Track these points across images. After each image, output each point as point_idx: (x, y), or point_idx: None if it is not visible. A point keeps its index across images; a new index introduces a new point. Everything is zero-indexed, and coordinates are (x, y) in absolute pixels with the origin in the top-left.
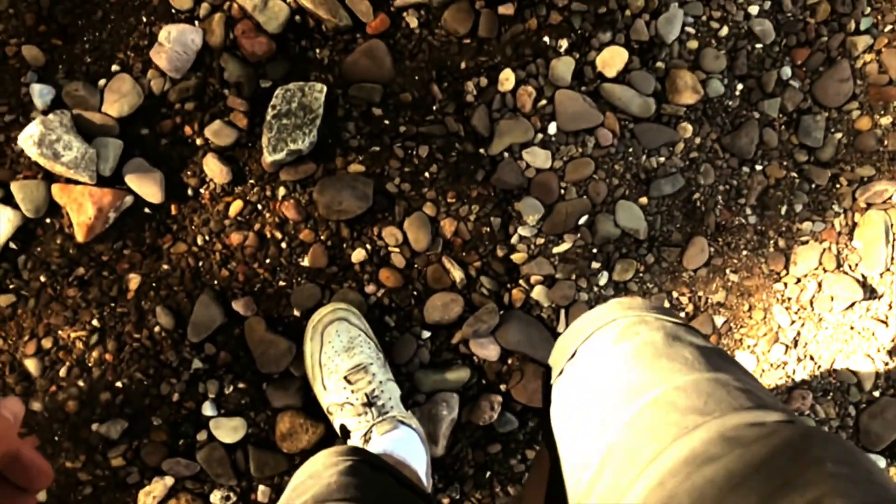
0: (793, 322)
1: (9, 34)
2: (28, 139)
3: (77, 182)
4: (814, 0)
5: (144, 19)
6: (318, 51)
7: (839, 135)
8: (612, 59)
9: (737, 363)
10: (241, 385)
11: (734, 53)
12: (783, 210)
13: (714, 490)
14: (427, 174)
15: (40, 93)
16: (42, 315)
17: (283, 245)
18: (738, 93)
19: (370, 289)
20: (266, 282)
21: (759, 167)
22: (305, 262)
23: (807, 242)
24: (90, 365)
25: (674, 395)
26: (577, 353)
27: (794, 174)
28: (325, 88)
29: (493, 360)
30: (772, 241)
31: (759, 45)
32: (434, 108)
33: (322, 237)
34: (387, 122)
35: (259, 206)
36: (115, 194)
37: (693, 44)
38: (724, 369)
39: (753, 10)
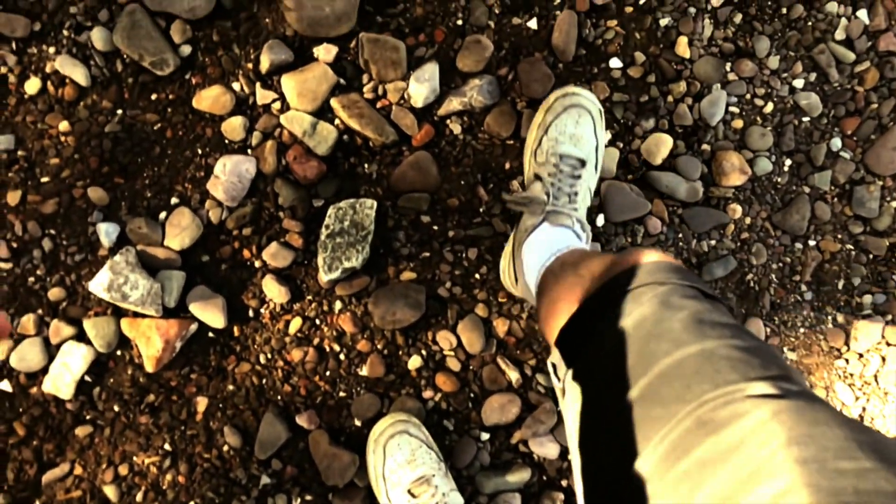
0: (857, 398)
1: (75, 178)
2: (98, 286)
3: (144, 315)
4: (861, 68)
5: (199, 151)
6: (366, 166)
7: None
8: (656, 147)
9: (726, 316)
10: (308, 497)
11: (780, 129)
12: (840, 284)
13: (688, 485)
14: (477, 276)
15: (106, 232)
16: (117, 443)
17: (342, 357)
18: (786, 169)
19: (428, 394)
20: (327, 394)
21: (812, 242)
22: (364, 372)
23: (868, 316)
24: (164, 488)
25: (658, 385)
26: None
27: (849, 247)
28: (375, 204)
29: (552, 458)
30: (830, 317)
31: (805, 119)
32: (481, 210)
33: (378, 346)
34: (435, 227)
35: (317, 321)
36: (180, 324)
37: (738, 123)
38: (711, 335)
39: (798, 83)
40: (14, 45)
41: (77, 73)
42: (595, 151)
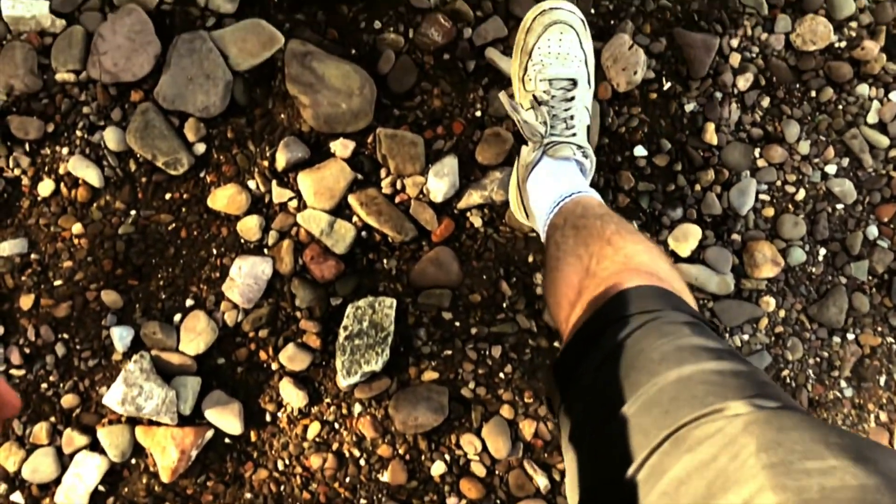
0: None
1: (89, 280)
2: (112, 400)
3: (160, 423)
4: None
5: (215, 251)
6: (385, 262)
7: None
8: (684, 237)
9: (710, 340)
10: None
11: (814, 217)
12: (882, 381)
13: (666, 501)
14: (502, 375)
15: (120, 336)
16: None
17: (362, 462)
18: (821, 258)
19: (452, 501)
20: (347, 501)
21: (851, 336)
22: (385, 479)
23: None
24: None
25: (638, 415)
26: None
27: (891, 340)
28: (394, 303)
29: None
30: (872, 415)
31: (839, 206)
32: (504, 305)
33: (400, 451)
34: (457, 324)
35: (336, 426)
36: (196, 432)
37: (769, 211)
38: (690, 361)
39: (831, 169)
40: (27, 147)
41: (90, 175)
42: (584, 65)
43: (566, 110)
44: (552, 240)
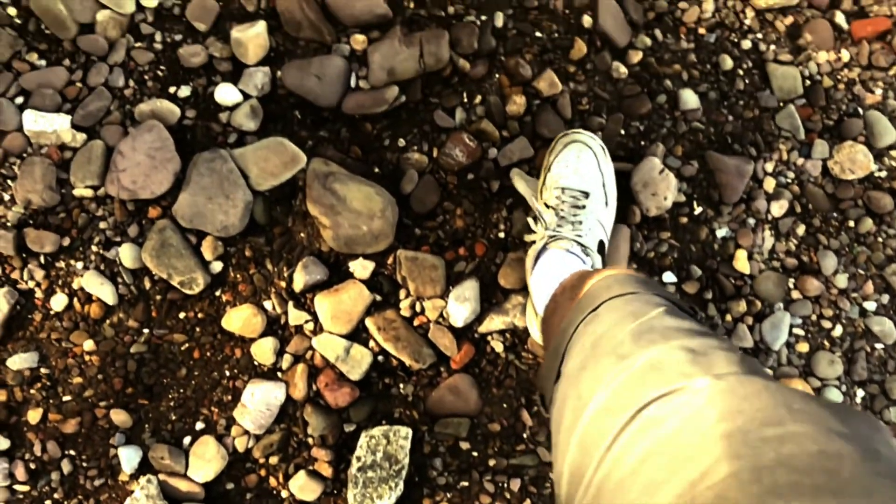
0: None
1: (98, 398)
2: None
3: None
4: None
5: (227, 373)
6: (402, 387)
7: None
8: None
9: (679, 319)
10: None
11: (851, 356)
12: None
13: (631, 481)
14: None
15: (127, 457)
16: None
17: None
18: (858, 400)
19: None
20: None
21: None
22: None
23: None
24: None
25: (610, 400)
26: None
27: None
28: (410, 433)
29: None
30: None
31: (879, 346)
32: (525, 436)
33: None
34: (475, 455)
35: None
36: None
37: (803, 347)
38: (658, 342)
39: (870, 305)
40: (42, 260)
41: (104, 291)
42: (602, 186)
43: (574, 216)
44: (548, 308)
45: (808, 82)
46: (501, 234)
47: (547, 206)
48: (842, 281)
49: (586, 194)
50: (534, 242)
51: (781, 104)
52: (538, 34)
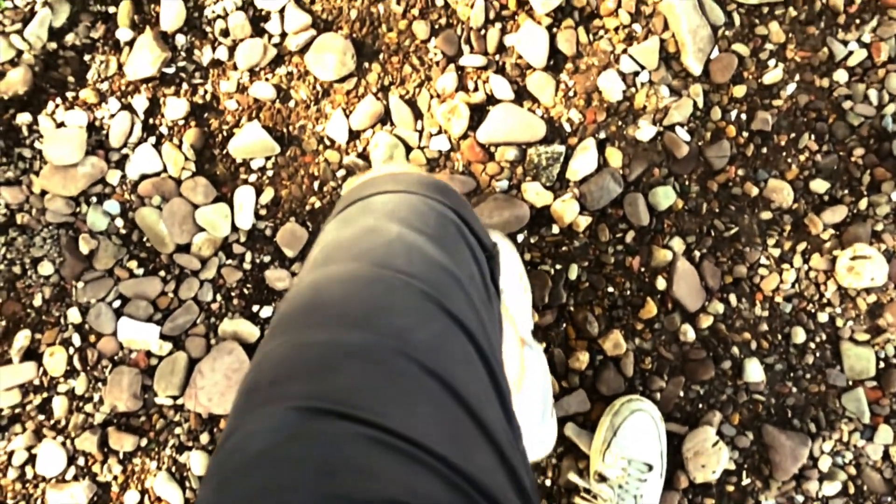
0: None
1: None
2: None
3: None
4: None
5: None
6: None
7: None
8: None
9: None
10: None
11: None
12: None
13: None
14: None
15: None
16: None
17: None
18: None
19: None
20: None
21: None
22: None
23: None
24: None
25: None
26: None
27: None
28: None
29: None
30: None
31: None
32: None
33: None
34: None
35: None
36: None
37: None
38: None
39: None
40: (121, 456)
41: (172, 495)
42: (661, 457)
43: (637, 489)
44: None
45: (881, 364)
46: (548, 482)
47: (602, 478)
48: None
49: (650, 467)
50: None
51: (850, 383)
52: (610, 289)
